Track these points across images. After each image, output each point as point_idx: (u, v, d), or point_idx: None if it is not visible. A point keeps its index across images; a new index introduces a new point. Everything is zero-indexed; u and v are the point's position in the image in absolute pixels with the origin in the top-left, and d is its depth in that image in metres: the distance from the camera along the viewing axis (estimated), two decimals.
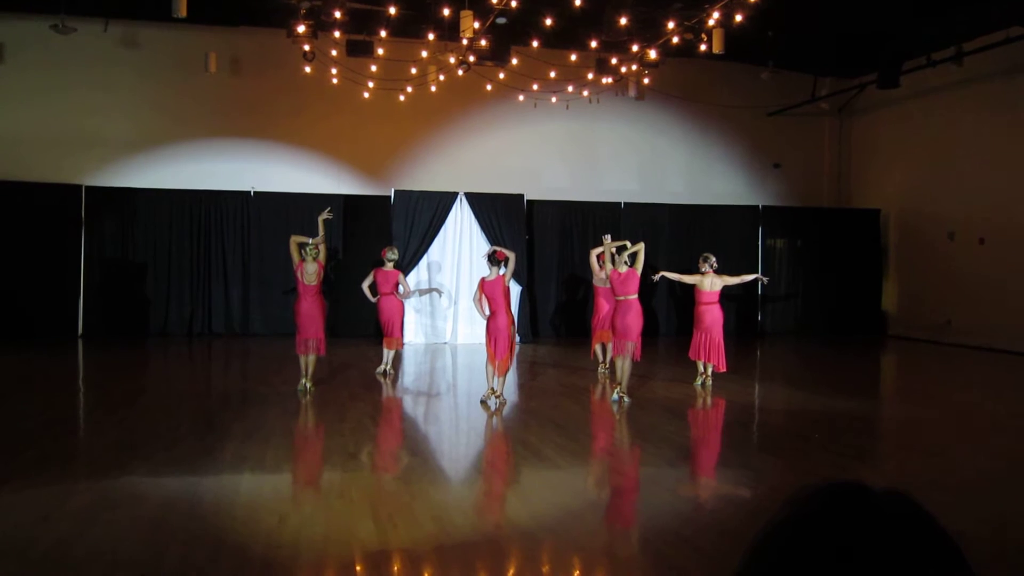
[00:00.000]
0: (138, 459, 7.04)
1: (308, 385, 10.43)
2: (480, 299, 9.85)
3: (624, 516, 6.22)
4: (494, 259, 9.84)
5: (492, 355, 9.79)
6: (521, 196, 17.33)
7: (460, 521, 5.81)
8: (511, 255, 9.78)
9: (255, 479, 6.59)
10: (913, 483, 6.64)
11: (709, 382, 11.33)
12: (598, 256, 11.69)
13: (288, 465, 7.45)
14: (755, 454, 8.25)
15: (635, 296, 10.03)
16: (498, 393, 9.90)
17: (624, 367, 10.12)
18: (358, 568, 4.69)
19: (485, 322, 9.92)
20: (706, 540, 5.29)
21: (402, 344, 12.68)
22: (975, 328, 16.47)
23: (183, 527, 5.28)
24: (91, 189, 16.54)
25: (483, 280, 9.86)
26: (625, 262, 10.13)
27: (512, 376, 13.25)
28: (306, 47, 14.42)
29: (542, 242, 18.05)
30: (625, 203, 18.50)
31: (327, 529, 5.37)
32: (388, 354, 12.16)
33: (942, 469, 7.35)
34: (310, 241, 10.42)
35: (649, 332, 17.31)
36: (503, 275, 9.78)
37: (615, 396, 10.20)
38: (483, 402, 10.01)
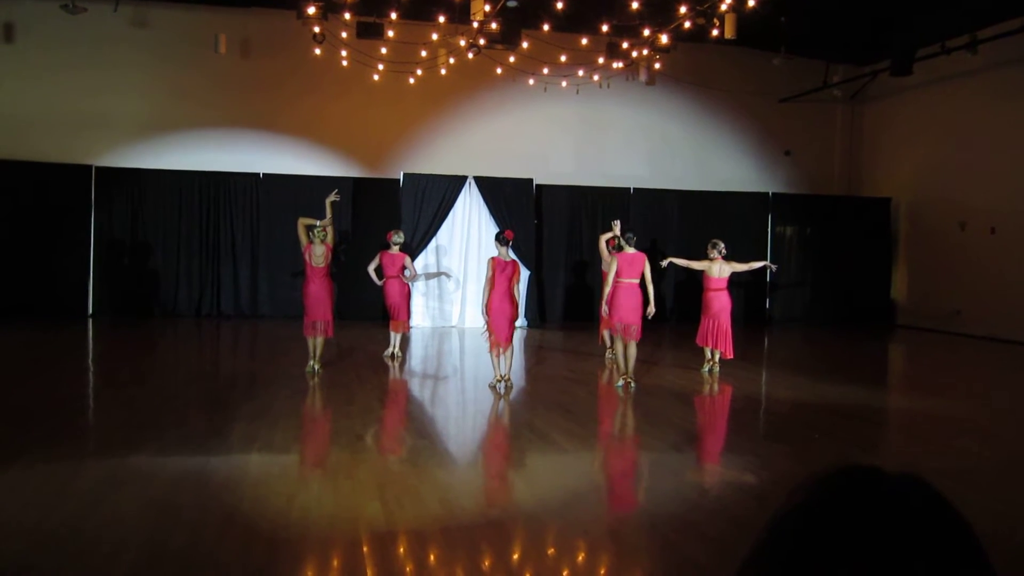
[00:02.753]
0: (147, 438, 7.07)
1: (316, 367, 10.46)
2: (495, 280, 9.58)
3: (630, 501, 6.24)
4: (504, 239, 9.73)
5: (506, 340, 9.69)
6: (530, 180, 17.32)
7: (466, 503, 5.83)
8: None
9: (263, 459, 6.62)
10: (921, 472, 6.63)
11: (716, 369, 11.32)
12: (607, 241, 11.65)
13: (296, 446, 7.49)
14: (762, 441, 8.25)
15: (638, 280, 9.94)
16: (506, 376, 9.87)
17: (630, 351, 10.06)
18: (365, 548, 4.72)
19: (500, 305, 9.58)
20: (713, 526, 5.30)
21: (408, 327, 12.69)
22: (985, 318, 16.41)
23: (192, 506, 5.32)
24: (101, 169, 16.57)
25: (497, 259, 9.59)
26: (629, 240, 10.01)
27: (519, 360, 13.27)
28: (316, 29, 14.37)
29: (551, 227, 18.04)
30: (634, 188, 18.46)
31: (334, 509, 5.40)
32: (395, 337, 12.17)
33: (951, 459, 7.34)
34: (318, 223, 10.42)
35: (657, 318, 17.33)
36: (515, 260, 9.74)
37: (619, 382, 10.17)
38: (493, 387, 9.92)
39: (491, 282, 9.58)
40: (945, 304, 17.50)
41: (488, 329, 9.68)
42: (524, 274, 16.84)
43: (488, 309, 9.58)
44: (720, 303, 11.22)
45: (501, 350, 9.66)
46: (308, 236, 10.34)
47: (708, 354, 11.38)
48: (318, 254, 10.33)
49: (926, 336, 17.32)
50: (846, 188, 20.29)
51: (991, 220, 16.52)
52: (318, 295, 10.39)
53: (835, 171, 20.47)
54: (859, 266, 19.02)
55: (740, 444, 8.09)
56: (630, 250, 9.97)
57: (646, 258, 9.99)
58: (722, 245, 11.33)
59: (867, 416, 9.30)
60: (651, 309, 9.95)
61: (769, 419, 9.46)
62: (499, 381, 9.73)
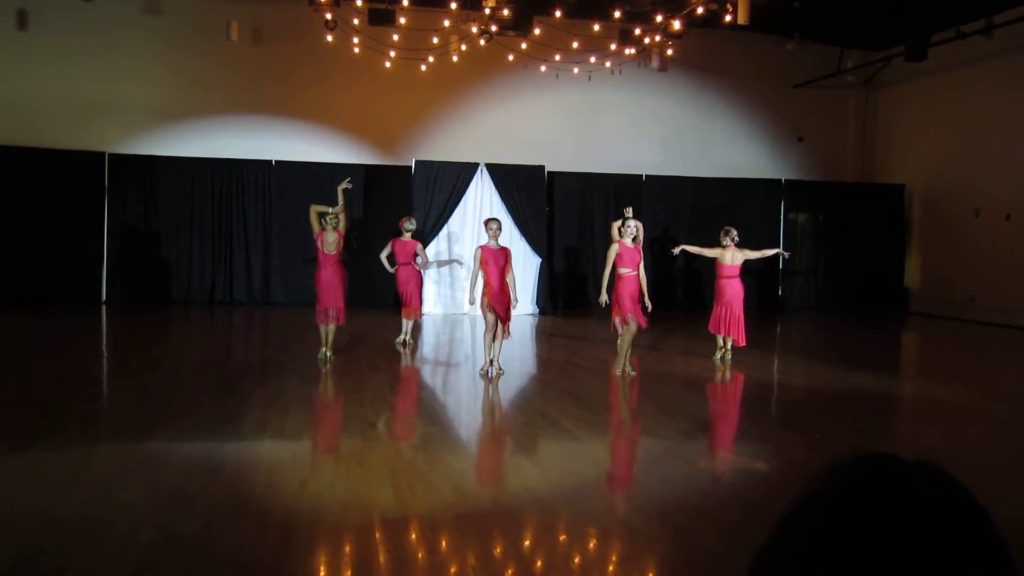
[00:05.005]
0: (160, 424, 7.11)
1: (328, 354, 10.48)
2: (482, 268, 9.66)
3: (642, 488, 6.23)
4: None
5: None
6: (542, 168, 17.28)
7: (478, 490, 5.85)
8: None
9: (276, 445, 6.65)
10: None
11: (729, 356, 11.29)
12: (619, 228, 11.60)
13: (308, 432, 7.51)
14: (774, 428, 8.23)
15: (637, 272, 9.91)
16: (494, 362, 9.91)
17: (625, 338, 10.02)
18: (377, 534, 4.73)
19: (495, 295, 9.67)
20: (725, 513, 5.30)
21: (420, 314, 12.70)
22: (999, 306, 16.31)
23: (204, 492, 5.34)
24: (114, 156, 16.62)
25: (486, 248, 9.68)
26: (633, 236, 10.01)
27: (531, 347, 13.29)
28: (328, 16, 14.35)
29: (562, 214, 18.02)
30: (647, 176, 18.40)
31: (347, 495, 5.41)
32: (407, 324, 12.19)
33: (964, 448, 7.31)
34: (330, 210, 10.42)
35: (668, 306, 17.31)
36: (507, 248, 9.78)
37: (618, 370, 10.17)
38: (484, 374, 9.95)
39: (482, 270, 9.60)
40: (959, 291, 17.41)
41: (485, 301, 9.67)
42: (534, 261, 16.88)
43: (486, 296, 9.64)
44: (733, 290, 11.19)
45: (496, 333, 9.69)
46: (320, 223, 10.34)
47: (720, 341, 11.35)
48: (330, 241, 10.33)
49: (940, 323, 17.24)
50: (859, 174, 20.17)
51: (1006, 206, 16.41)
52: (330, 282, 10.40)
53: (848, 157, 20.34)
54: (872, 253, 18.94)
55: (752, 431, 8.08)
56: (629, 242, 9.95)
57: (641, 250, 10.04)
58: (735, 232, 11.29)
59: (880, 404, 9.27)
60: (647, 301, 9.95)
61: (781, 406, 9.43)
62: (491, 365, 9.84)
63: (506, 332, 9.74)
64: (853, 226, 18.96)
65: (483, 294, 9.70)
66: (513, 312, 9.91)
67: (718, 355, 11.33)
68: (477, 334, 14.33)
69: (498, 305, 9.60)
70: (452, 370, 11.23)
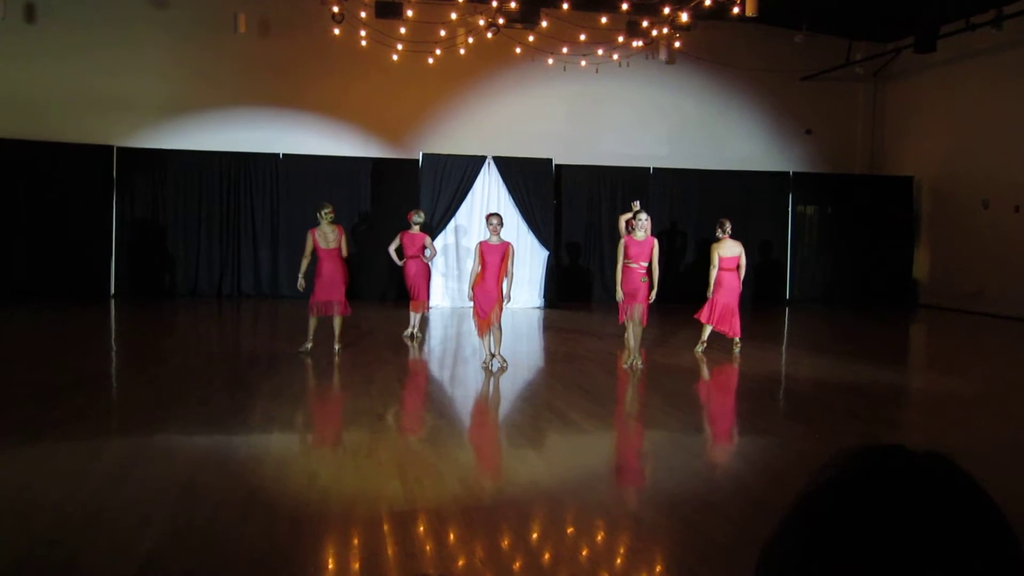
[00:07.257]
0: (169, 417, 7.14)
1: (336, 347, 10.50)
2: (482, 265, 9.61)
3: (650, 481, 6.24)
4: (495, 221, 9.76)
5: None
6: (549, 160, 17.25)
7: (486, 483, 5.86)
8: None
9: (284, 438, 6.68)
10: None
11: (737, 349, 11.27)
12: (627, 222, 11.57)
13: (317, 425, 7.54)
14: (781, 421, 8.22)
15: (646, 265, 9.86)
16: (498, 354, 9.88)
17: (634, 332, 9.99)
18: (385, 527, 4.74)
19: (485, 287, 9.61)
20: (732, 506, 5.30)
21: (428, 307, 12.71)
22: (1008, 298, 16.24)
23: (214, 484, 5.36)
24: (122, 150, 16.66)
25: (485, 243, 9.65)
26: (645, 229, 9.95)
27: (539, 340, 13.29)
28: (335, 8, 14.35)
29: (570, 207, 18.00)
30: (654, 168, 18.37)
31: (355, 488, 5.43)
32: (414, 317, 12.20)
33: (972, 440, 7.29)
34: (327, 207, 10.45)
35: (676, 300, 17.28)
36: (508, 243, 9.67)
37: (627, 363, 10.12)
38: (486, 367, 9.93)
39: (479, 265, 9.57)
40: (967, 283, 17.34)
41: (473, 311, 9.76)
42: (541, 254, 16.87)
43: (473, 290, 9.62)
44: (730, 282, 11.16)
45: (485, 329, 9.69)
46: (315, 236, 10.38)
47: (704, 333, 11.29)
48: (328, 233, 10.35)
49: (948, 316, 17.19)
50: (868, 167, 20.10)
51: (1015, 198, 16.33)
52: (332, 276, 10.40)
53: (857, 149, 20.27)
54: (881, 245, 18.88)
55: (760, 424, 8.07)
56: (640, 235, 9.87)
57: (655, 242, 9.91)
58: (729, 225, 11.23)
59: (888, 396, 9.25)
60: (652, 294, 9.87)
61: (789, 399, 9.42)
62: (492, 358, 9.80)
63: (481, 327, 9.73)
64: (861, 218, 18.90)
65: (471, 288, 9.68)
66: (506, 305, 9.81)
67: (699, 348, 11.26)
68: None
69: (481, 303, 9.56)
70: (460, 363, 11.24)
